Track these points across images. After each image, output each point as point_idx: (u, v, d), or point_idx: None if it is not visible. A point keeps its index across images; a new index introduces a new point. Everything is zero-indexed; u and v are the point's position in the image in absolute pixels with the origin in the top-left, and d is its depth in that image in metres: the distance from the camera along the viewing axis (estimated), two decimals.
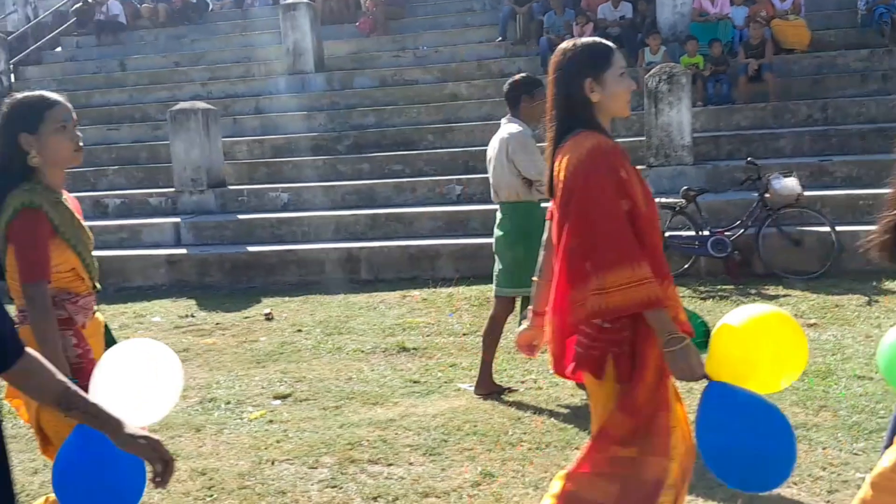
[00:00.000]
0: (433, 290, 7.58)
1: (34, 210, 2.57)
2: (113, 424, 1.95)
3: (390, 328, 6.65)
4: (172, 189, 9.90)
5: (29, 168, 2.61)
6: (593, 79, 2.57)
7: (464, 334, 6.34)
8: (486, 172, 9.30)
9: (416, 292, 7.59)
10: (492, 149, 5.02)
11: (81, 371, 2.19)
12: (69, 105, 2.69)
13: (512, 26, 12.47)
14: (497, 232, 5.02)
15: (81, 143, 2.70)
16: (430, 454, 4.16)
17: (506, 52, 12.28)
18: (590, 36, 10.97)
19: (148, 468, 2.04)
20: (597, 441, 2.54)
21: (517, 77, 5.02)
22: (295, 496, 3.84)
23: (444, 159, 9.91)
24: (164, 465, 1.97)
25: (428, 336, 6.39)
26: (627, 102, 2.68)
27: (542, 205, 5.03)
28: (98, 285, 2.82)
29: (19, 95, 2.68)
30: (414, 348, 6.08)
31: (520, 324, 5.18)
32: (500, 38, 12.48)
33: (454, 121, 10.68)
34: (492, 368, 5.04)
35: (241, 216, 9.44)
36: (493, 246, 5.07)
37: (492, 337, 5.04)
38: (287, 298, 7.81)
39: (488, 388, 4.98)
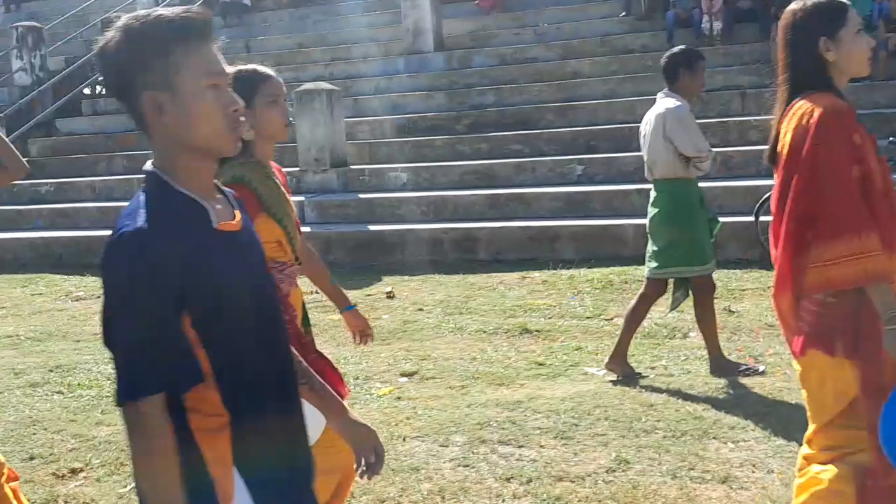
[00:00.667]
0: (553, 271, 7.50)
1: (241, 185, 2.59)
2: (336, 406, 1.98)
3: (511, 309, 6.63)
4: (297, 168, 10.12)
5: (241, 142, 2.65)
6: (828, 37, 2.48)
7: (587, 317, 6.25)
8: (608, 152, 9.27)
9: (535, 274, 7.53)
10: (646, 124, 4.90)
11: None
12: (281, 80, 2.72)
13: (636, 1, 12.16)
14: (651, 210, 4.90)
15: (291, 119, 2.74)
16: (562, 438, 4.12)
17: (630, 28, 12.00)
18: (719, 10, 10.60)
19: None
20: (874, 437, 2.42)
21: (676, 50, 4.89)
22: (428, 473, 3.87)
23: (566, 139, 9.78)
24: (377, 458, 1.97)
25: (550, 318, 6.33)
26: (867, 60, 2.56)
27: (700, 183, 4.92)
28: (299, 258, 2.83)
29: (232, 70, 2.73)
30: (536, 330, 6.04)
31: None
32: (623, 14, 12.20)
33: (575, 99, 10.51)
34: (627, 350, 4.94)
35: (362, 195, 9.58)
36: (647, 226, 4.95)
37: (635, 317, 4.93)
38: (407, 277, 7.88)
39: (621, 369, 4.89)
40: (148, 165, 1.68)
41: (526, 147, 9.90)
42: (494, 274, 7.68)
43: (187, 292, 1.56)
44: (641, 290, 4.98)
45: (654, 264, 4.85)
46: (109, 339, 1.58)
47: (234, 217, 1.72)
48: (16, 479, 3.00)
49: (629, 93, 10.37)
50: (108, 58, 1.62)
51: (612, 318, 6.12)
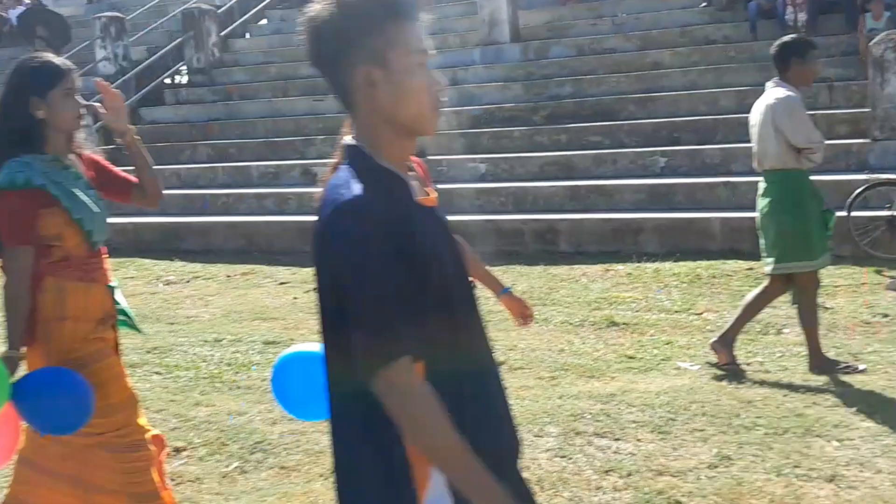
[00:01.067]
0: (637, 264, 7.44)
1: None
2: None
3: (596, 301, 6.60)
4: None
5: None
6: None
7: (675, 311, 6.19)
8: (691, 144, 9.13)
9: (619, 266, 7.48)
10: (756, 114, 4.82)
11: None
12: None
13: None
14: (760, 203, 4.82)
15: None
16: (659, 432, 4.10)
17: (711, 19, 11.77)
18: (803, 0, 10.23)
19: None
20: None
21: (787, 38, 4.81)
22: (525, 462, 3.87)
23: (647, 130, 9.66)
24: None
25: (637, 311, 6.28)
26: None
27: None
28: None
29: None
30: (624, 323, 6.00)
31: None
32: (704, 4, 11.99)
33: (656, 90, 10.36)
34: (736, 337, 4.89)
35: (441, 186, 9.56)
36: (757, 219, 4.87)
37: (752, 308, 4.88)
38: (487, 267, 7.86)
39: (726, 354, 4.84)
40: (349, 140, 1.68)
41: (606, 139, 9.82)
42: (576, 266, 7.65)
43: (406, 259, 1.55)
44: (765, 284, 4.88)
45: (771, 259, 4.76)
46: (351, 309, 1.54)
47: (428, 193, 1.73)
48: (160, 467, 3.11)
49: (711, 84, 10.20)
50: (320, 29, 1.62)
51: (701, 313, 6.06)
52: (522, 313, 2.92)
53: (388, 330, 1.52)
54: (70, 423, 2.75)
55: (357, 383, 1.56)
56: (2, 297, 2.86)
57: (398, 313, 1.52)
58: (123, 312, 3.10)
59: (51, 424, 2.78)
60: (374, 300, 1.52)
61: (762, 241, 4.84)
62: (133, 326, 3.15)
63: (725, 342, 4.86)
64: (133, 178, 3.13)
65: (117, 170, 3.16)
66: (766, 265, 4.81)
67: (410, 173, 1.72)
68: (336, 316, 1.59)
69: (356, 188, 1.56)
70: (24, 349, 2.87)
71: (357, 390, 1.57)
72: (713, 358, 4.95)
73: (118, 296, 3.06)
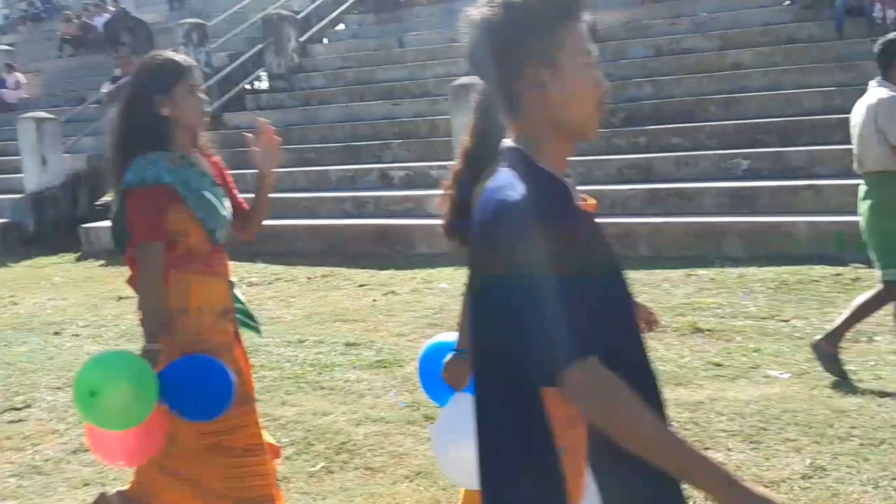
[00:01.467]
0: (721, 269, 7.30)
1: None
2: None
3: (679, 307, 6.49)
4: (452, 162, 10.22)
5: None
6: None
7: (762, 318, 6.05)
8: (774, 146, 8.93)
9: (702, 271, 7.35)
10: (857, 115, 4.70)
11: None
12: None
13: None
14: (862, 206, 4.69)
15: None
16: (750, 441, 4.03)
17: (794, 17, 11.51)
18: None
19: None
20: None
21: (892, 36, 4.68)
22: None
23: (729, 132, 9.49)
24: None
25: (722, 318, 6.17)
26: None
27: None
28: None
29: None
30: (709, 330, 5.90)
31: None
32: (787, 2, 11.72)
33: (738, 91, 10.17)
34: (842, 336, 4.76)
35: None
36: (860, 223, 4.74)
37: (862, 310, 4.74)
38: None
39: (826, 350, 4.71)
40: (508, 142, 1.66)
41: (686, 140, 9.67)
42: (656, 270, 7.54)
43: (578, 259, 1.51)
44: (878, 289, 4.73)
45: (880, 265, 4.63)
46: (531, 311, 1.50)
47: (585, 199, 1.72)
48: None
49: (794, 85, 9.97)
50: (487, 31, 1.61)
51: (789, 320, 5.91)
52: (647, 319, 2.78)
53: (574, 328, 1.46)
54: (214, 406, 2.79)
55: (508, 387, 1.53)
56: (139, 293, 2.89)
57: (580, 311, 1.47)
58: (244, 312, 3.14)
59: (196, 409, 2.81)
60: (555, 299, 1.47)
61: (869, 246, 4.70)
62: (252, 327, 3.18)
63: (829, 342, 4.73)
64: (245, 205, 3.17)
65: (236, 189, 3.19)
66: (877, 271, 4.67)
67: (568, 179, 1.69)
68: (500, 319, 1.55)
69: (522, 189, 1.54)
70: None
71: (507, 394, 1.54)
72: (804, 366, 4.84)
73: (238, 293, 3.10)
